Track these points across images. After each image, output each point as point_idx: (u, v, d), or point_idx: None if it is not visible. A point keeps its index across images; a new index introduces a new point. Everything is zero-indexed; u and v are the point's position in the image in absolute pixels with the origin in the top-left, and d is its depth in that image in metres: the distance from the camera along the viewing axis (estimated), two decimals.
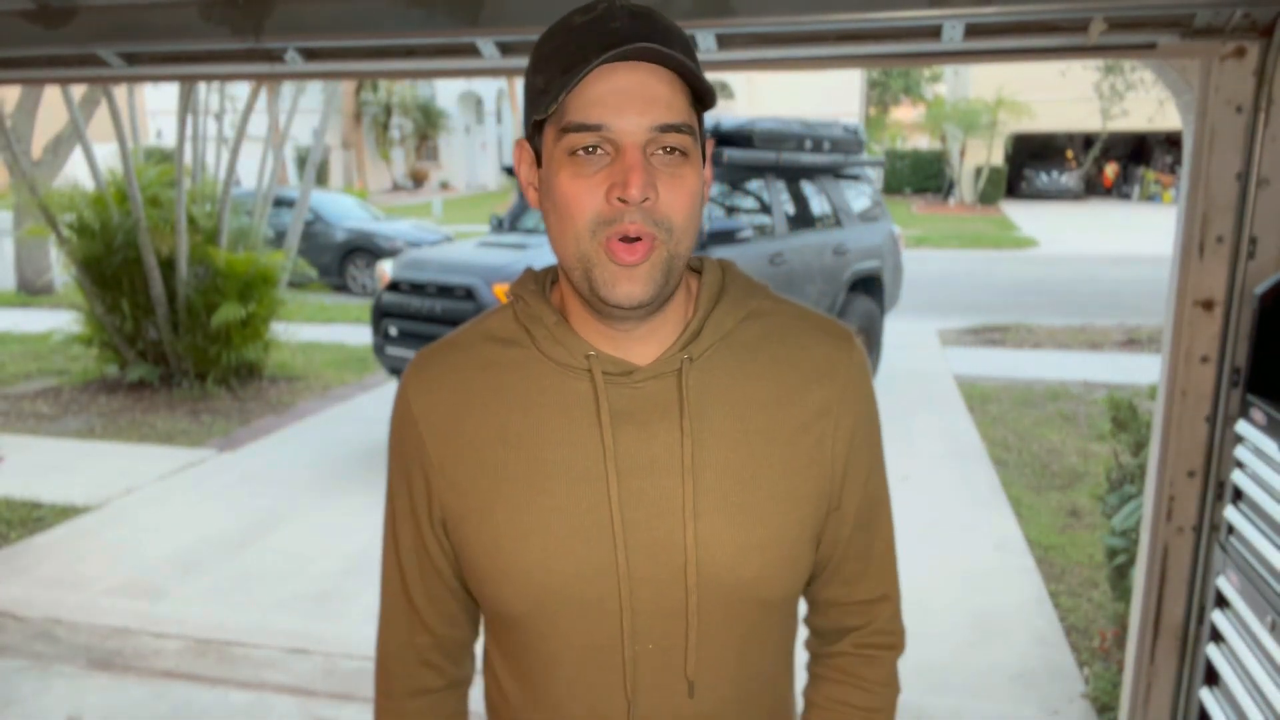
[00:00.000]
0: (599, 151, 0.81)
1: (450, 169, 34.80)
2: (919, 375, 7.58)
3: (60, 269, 8.09)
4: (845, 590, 1.01)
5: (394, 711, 1.04)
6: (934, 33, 1.93)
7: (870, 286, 7.28)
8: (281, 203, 11.69)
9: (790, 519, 0.91)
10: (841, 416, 0.94)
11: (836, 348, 0.95)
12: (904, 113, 33.00)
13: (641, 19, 0.82)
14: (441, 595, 1.00)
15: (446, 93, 33.88)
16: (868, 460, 0.98)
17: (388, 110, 32.80)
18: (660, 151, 0.82)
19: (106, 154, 8.12)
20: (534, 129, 0.87)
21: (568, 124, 0.81)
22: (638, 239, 0.82)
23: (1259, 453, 1.73)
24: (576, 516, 0.88)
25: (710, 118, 6.33)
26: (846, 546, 0.99)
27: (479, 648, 1.07)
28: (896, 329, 8.74)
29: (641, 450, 0.88)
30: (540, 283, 0.97)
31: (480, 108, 34.63)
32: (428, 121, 33.57)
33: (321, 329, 9.61)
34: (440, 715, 1.04)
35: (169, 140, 19.25)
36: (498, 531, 0.89)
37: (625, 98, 0.80)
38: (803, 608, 1.06)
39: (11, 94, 9.49)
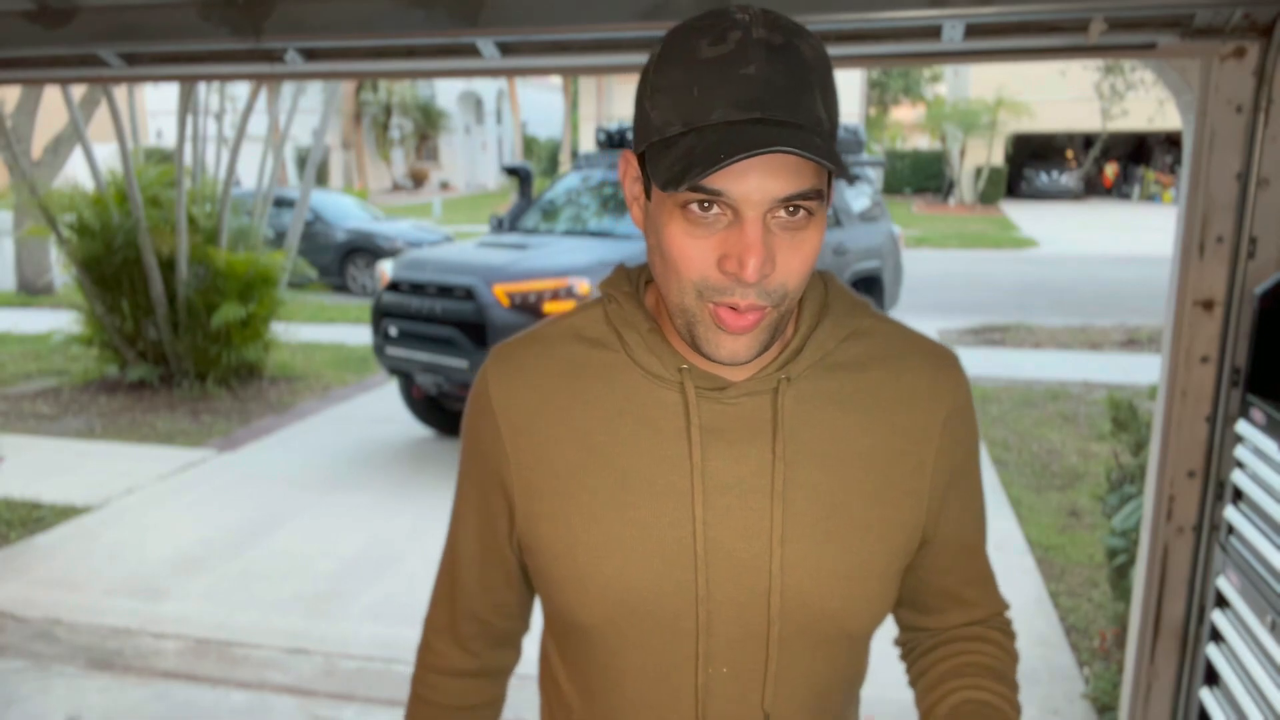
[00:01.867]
0: (714, 210, 0.74)
1: (450, 169, 34.80)
2: None
3: (60, 269, 8.09)
4: (965, 613, 1.00)
5: (428, 684, 1.04)
6: (934, 33, 1.93)
7: (870, 287, 7.28)
8: (281, 203, 11.70)
9: (879, 549, 0.87)
10: (943, 445, 0.90)
11: (940, 371, 0.91)
12: (904, 113, 33.01)
13: (778, 60, 0.72)
14: (498, 585, 0.98)
15: (446, 93, 33.88)
16: (971, 489, 0.95)
17: (388, 110, 32.81)
18: (783, 214, 0.74)
19: (106, 154, 8.13)
20: (642, 155, 0.79)
21: None
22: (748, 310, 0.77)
23: (1259, 453, 1.73)
24: (658, 531, 0.84)
25: None
26: (954, 575, 0.97)
27: (534, 653, 1.05)
28: None
29: (730, 469, 0.84)
30: (634, 283, 0.91)
31: (480, 108, 34.64)
32: (428, 121, 33.58)
33: (321, 329, 9.62)
34: (471, 699, 1.04)
35: (169, 140, 19.25)
36: (574, 538, 0.86)
37: (750, 166, 0.71)
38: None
39: (11, 94, 9.50)
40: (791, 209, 0.74)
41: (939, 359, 0.92)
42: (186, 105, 7.06)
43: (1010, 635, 1.02)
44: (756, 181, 0.72)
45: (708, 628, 0.84)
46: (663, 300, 0.83)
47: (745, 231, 0.73)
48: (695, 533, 0.84)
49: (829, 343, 0.88)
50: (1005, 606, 1.03)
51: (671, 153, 0.73)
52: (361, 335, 8.62)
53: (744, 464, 0.84)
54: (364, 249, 12.76)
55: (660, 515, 0.84)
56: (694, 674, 0.86)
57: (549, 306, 5.13)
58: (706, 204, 0.74)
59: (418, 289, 5.56)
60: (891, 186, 29.65)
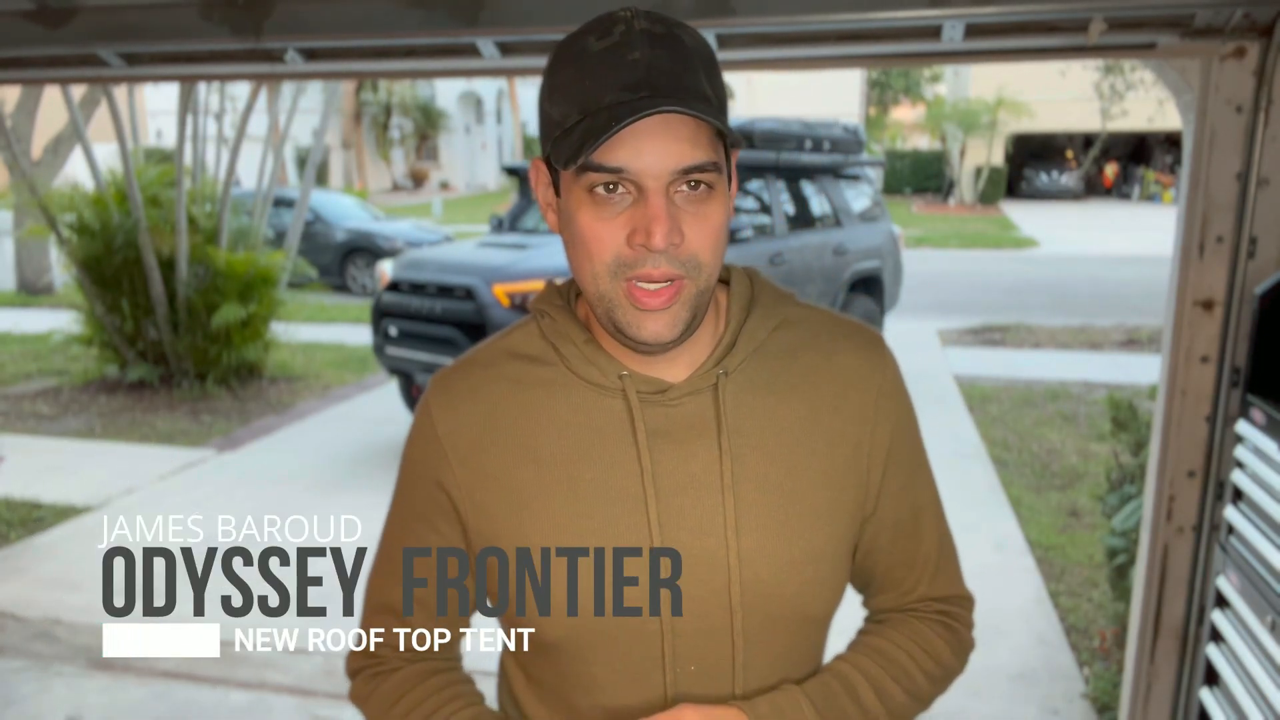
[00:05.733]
0: (619, 190, 0.78)
1: (450, 169, 34.79)
2: (919, 375, 7.57)
3: (60, 269, 8.10)
4: (898, 598, 0.99)
5: (380, 676, 1.03)
6: (934, 33, 1.93)
7: (870, 286, 7.28)
8: (281, 203, 11.69)
9: (830, 532, 0.89)
10: (878, 424, 0.92)
11: (870, 354, 0.94)
12: (904, 113, 32.99)
13: (660, 45, 0.77)
14: (433, 616, 0.97)
15: (446, 93, 33.87)
16: (907, 466, 0.96)
17: (388, 110, 32.80)
18: (685, 188, 0.78)
19: (106, 154, 8.12)
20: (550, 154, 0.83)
21: (586, 163, 0.78)
22: (663, 282, 0.79)
23: (1259, 453, 1.73)
24: (614, 538, 0.85)
25: None
26: (889, 555, 0.96)
27: (493, 680, 1.03)
28: (896, 329, 8.73)
29: (679, 468, 0.86)
30: (565, 296, 0.93)
31: (480, 108, 34.62)
32: (428, 121, 33.57)
33: (321, 329, 9.61)
34: (435, 662, 0.99)
35: (169, 140, 19.22)
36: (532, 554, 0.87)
37: (646, 139, 0.76)
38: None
39: (11, 94, 9.49)
40: (692, 183, 0.78)
41: (866, 340, 0.95)
42: (186, 105, 7.05)
43: (958, 621, 0.99)
44: (654, 154, 0.76)
45: (672, 627, 0.85)
46: (586, 299, 0.85)
47: (649, 204, 0.77)
48: (651, 535, 0.85)
49: (760, 333, 0.91)
50: (960, 594, 1.00)
51: (570, 138, 0.77)
52: (361, 335, 8.61)
53: (693, 462, 0.86)
54: (364, 249, 12.76)
55: (615, 521, 0.85)
56: (662, 675, 0.87)
57: None
58: (611, 185, 0.78)
59: (418, 289, 5.57)
60: (891, 186, 29.63)
